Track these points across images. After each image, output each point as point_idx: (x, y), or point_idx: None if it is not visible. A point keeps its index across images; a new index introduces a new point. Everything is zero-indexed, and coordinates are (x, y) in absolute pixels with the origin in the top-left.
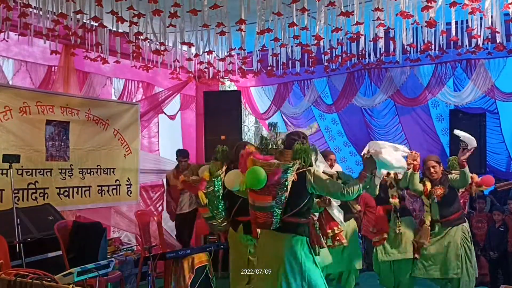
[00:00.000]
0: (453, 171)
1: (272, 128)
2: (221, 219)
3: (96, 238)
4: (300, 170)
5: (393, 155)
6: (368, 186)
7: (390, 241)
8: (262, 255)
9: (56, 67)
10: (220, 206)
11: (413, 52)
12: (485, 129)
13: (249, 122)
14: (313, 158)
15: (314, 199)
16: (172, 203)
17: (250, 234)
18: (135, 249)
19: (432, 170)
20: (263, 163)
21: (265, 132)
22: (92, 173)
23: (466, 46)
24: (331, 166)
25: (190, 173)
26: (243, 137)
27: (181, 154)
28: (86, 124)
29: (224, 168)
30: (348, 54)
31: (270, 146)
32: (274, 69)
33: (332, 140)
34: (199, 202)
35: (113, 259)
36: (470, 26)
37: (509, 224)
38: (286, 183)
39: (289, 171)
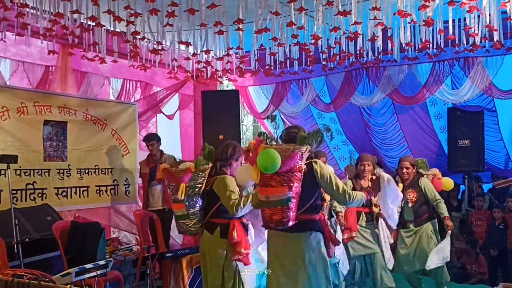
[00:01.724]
0: (423, 172)
1: (271, 120)
2: (195, 220)
3: (94, 238)
4: (308, 161)
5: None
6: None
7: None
8: (279, 257)
9: (53, 67)
10: (197, 205)
11: (411, 51)
12: (483, 127)
13: (247, 121)
14: (316, 143)
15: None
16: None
17: (226, 238)
18: (134, 249)
19: (404, 171)
20: (278, 147)
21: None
22: (90, 173)
23: (463, 44)
24: None
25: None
26: (241, 137)
27: (146, 139)
28: (84, 124)
29: (209, 165)
30: (346, 53)
31: (270, 141)
32: (272, 68)
33: (331, 138)
34: (175, 197)
35: (111, 259)
36: (467, 24)
37: (508, 222)
38: (301, 169)
39: (304, 156)
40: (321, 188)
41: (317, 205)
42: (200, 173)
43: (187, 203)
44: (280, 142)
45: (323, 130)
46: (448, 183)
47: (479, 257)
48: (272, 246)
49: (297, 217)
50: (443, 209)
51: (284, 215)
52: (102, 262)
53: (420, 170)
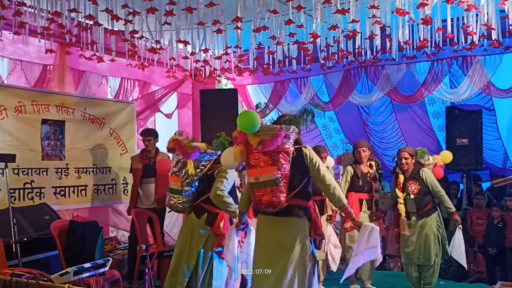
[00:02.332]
0: (422, 162)
1: (258, 107)
2: (186, 198)
3: (92, 237)
4: (297, 146)
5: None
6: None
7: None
8: (265, 242)
9: (51, 66)
10: (194, 186)
11: (409, 50)
12: (481, 125)
13: None
14: (302, 123)
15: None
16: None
17: (211, 226)
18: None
19: (403, 161)
20: (264, 127)
21: None
22: (88, 172)
23: (462, 43)
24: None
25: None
26: None
27: (143, 133)
28: (81, 123)
29: (217, 152)
30: (345, 52)
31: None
32: (271, 67)
33: (329, 137)
34: (175, 170)
35: (109, 258)
36: (466, 23)
37: (507, 220)
38: (289, 151)
39: (291, 136)
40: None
41: (308, 192)
42: (206, 155)
43: (184, 180)
44: None
45: (310, 108)
46: (446, 156)
47: (477, 256)
48: (260, 234)
49: (287, 201)
50: (449, 203)
51: (274, 195)
52: (100, 261)
53: (420, 160)
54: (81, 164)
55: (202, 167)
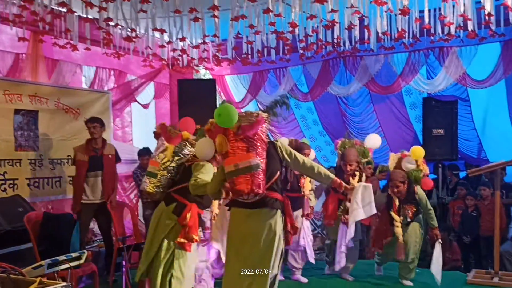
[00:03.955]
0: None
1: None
2: (159, 184)
3: (67, 229)
4: (269, 140)
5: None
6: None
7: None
8: (238, 238)
9: (24, 55)
10: (171, 173)
11: (387, 40)
12: (456, 116)
13: None
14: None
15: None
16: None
17: (178, 216)
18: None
19: (395, 190)
20: (242, 113)
21: None
22: (62, 163)
23: (439, 33)
24: None
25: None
26: None
27: (90, 120)
28: (55, 113)
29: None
30: (323, 42)
31: None
32: (249, 57)
33: (308, 129)
34: (155, 154)
35: (85, 250)
36: (443, 13)
37: (481, 209)
38: (265, 140)
39: (265, 124)
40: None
41: (281, 186)
42: (188, 146)
43: (162, 165)
44: None
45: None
46: (416, 153)
47: (453, 245)
48: (233, 225)
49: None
50: (434, 220)
51: (254, 182)
52: (75, 254)
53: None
54: (56, 155)
55: (182, 156)
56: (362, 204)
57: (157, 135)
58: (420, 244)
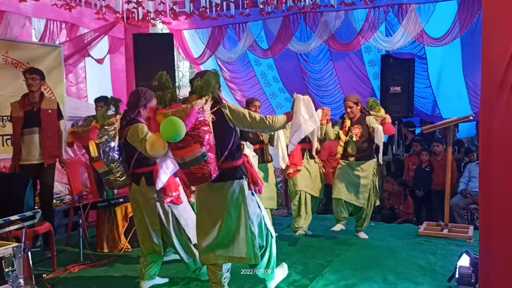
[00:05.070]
0: (371, 112)
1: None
2: (119, 173)
3: (20, 189)
4: (215, 109)
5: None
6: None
7: (304, 177)
8: (204, 210)
9: None
10: (116, 158)
11: None
12: (413, 74)
13: (183, 67)
14: (216, 86)
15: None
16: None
17: (153, 185)
18: (67, 199)
19: (349, 110)
20: (175, 111)
21: None
22: None
23: None
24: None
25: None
26: (177, 83)
27: (28, 71)
28: (4, 68)
29: (115, 118)
30: None
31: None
32: (208, 11)
33: (268, 86)
34: (91, 156)
35: (39, 210)
36: None
37: (434, 165)
38: (207, 122)
39: (205, 107)
40: (238, 129)
41: (236, 150)
42: (109, 127)
43: (105, 159)
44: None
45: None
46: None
47: (408, 199)
48: (200, 198)
49: (219, 167)
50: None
51: (205, 170)
52: (29, 213)
53: (371, 112)
54: (5, 112)
55: (113, 139)
56: (308, 116)
57: (70, 145)
58: (373, 191)
